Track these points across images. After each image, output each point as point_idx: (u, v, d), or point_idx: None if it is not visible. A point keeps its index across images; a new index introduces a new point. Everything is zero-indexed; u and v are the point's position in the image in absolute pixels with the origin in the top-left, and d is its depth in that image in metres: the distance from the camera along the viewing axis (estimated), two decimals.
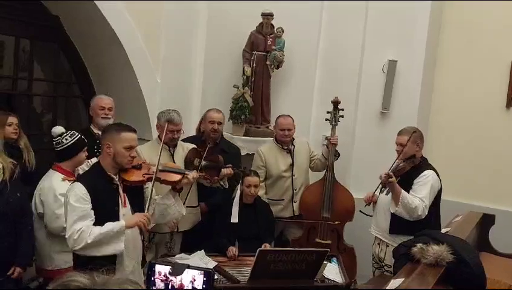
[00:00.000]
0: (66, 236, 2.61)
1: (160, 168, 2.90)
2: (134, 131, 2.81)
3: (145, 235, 2.68)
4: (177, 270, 2.59)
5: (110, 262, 2.59)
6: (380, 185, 3.71)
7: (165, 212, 2.97)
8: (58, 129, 3.31)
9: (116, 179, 2.76)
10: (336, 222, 4.28)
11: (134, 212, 2.80)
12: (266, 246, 3.72)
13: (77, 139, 3.29)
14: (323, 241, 4.22)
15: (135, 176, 2.80)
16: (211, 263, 3.45)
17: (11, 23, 4.08)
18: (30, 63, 4.36)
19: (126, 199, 2.80)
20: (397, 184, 3.56)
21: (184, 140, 4.13)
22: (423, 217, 3.56)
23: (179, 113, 3.86)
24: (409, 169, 3.64)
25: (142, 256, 2.97)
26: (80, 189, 2.62)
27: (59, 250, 3.26)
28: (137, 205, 2.86)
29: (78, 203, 2.60)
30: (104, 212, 2.66)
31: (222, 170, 3.69)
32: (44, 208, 3.23)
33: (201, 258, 3.49)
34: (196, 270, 2.59)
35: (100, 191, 2.67)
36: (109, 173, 2.74)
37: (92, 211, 2.62)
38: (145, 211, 2.78)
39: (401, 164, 3.61)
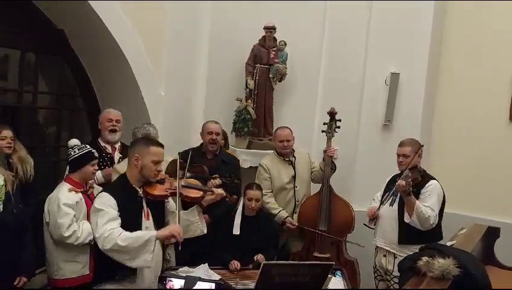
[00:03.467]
0: (96, 236, 2.65)
1: (183, 184, 2.95)
2: (162, 146, 2.90)
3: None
4: (190, 282, 2.63)
5: (132, 273, 2.67)
6: (392, 196, 3.72)
7: (187, 228, 2.98)
8: (72, 141, 3.41)
9: (141, 192, 2.83)
10: (340, 238, 4.23)
11: (156, 226, 2.83)
12: (261, 257, 3.69)
13: (85, 153, 3.36)
14: (321, 255, 4.17)
15: (158, 191, 2.86)
16: (214, 276, 3.43)
17: (16, 37, 4.11)
18: (35, 76, 4.38)
19: (149, 212, 2.85)
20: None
21: (184, 152, 4.12)
22: (434, 226, 3.62)
23: (154, 127, 3.87)
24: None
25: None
26: (107, 198, 2.72)
27: (65, 259, 3.29)
28: (158, 219, 2.89)
29: (107, 208, 2.67)
30: (128, 223, 2.71)
31: (209, 181, 3.66)
32: (49, 217, 3.27)
33: (205, 272, 3.47)
34: (208, 283, 2.63)
35: (125, 203, 2.75)
36: (134, 186, 2.81)
37: (119, 218, 2.68)
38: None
39: (409, 174, 3.60)
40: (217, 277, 3.42)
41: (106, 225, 2.61)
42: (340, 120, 4.37)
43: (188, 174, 3.44)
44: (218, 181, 3.65)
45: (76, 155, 3.34)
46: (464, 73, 5.02)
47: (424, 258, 2.53)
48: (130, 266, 2.63)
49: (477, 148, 4.92)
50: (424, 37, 4.92)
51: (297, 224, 4.26)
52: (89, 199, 3.36)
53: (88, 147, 3.43)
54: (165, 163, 3.74)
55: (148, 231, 2.70)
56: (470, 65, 4.98)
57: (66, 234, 3.16)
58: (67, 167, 3.56)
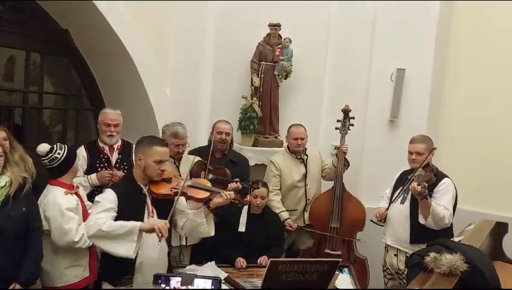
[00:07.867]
0: (85, 225, 2.72)
1: (190, 183, 2.94)
2: (166, 145, 2.91)
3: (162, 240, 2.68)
4: (187, 280, 2.60)
5: (128, 273, 2.72)
6: (403, 194, 3.68)
7: (195, 229, 2.99)
8: (44, 147, 3.16)
9: (145, 190, 2.83)
10: (347, 238, 4.22)
11: None
12: (264, 260, 3.64)
13: (68, 150, 3.20)
14: (333, 252, 4.17)
15: (163, 189, 2.85)
16: (221, 275, 3.43)
17: (21, 38, 4.14)
18: (40, 76, 4.40)
19: (154, 210, 2.84)
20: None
21: (192, 151, 4.14)
22: (449, 225, 3.57)
23: (183, 126, 3.87)
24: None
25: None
26: (109, 194, 2.74)
27: (68, 265, 3.18)
28: (163, 217, 2.82)
29: (103, 201, 2.70)
30: (130, 219, 2.70)
31: (229, 184, 3.64)
32: (50, 224, 3.10)
33: (212, 270, 3.47)
34: (204, 279, 2.61)
35: (128, 200, 2.76)
36: (138, 183, 2.83)
37: (115, 214, 2.69)
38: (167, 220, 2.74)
39: (423, 173, 3.47)
40: (224, 275, 3.43)
41: (96, 215, 2.62)
42: (353, 117, 4.37)
43: (210, 176, 3.42)
44: (235, 185, 3.65)
45: (64, 156, 3.15)
46: (470, 68, 4.96)
47: (432, 254, 2.52)
48: (114, 253, 2.59)
49: (484, 143, 4.87)
50: (429, 32, 4.88)
51: (296, 226, 4.27)
52: (81, 200, 3.28)
53: (63, 145, 3.23)
54: (187, 163, 3.77)
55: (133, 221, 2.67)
56: (476, 60, 4.92)
57: (76, 239, 3.07)
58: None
